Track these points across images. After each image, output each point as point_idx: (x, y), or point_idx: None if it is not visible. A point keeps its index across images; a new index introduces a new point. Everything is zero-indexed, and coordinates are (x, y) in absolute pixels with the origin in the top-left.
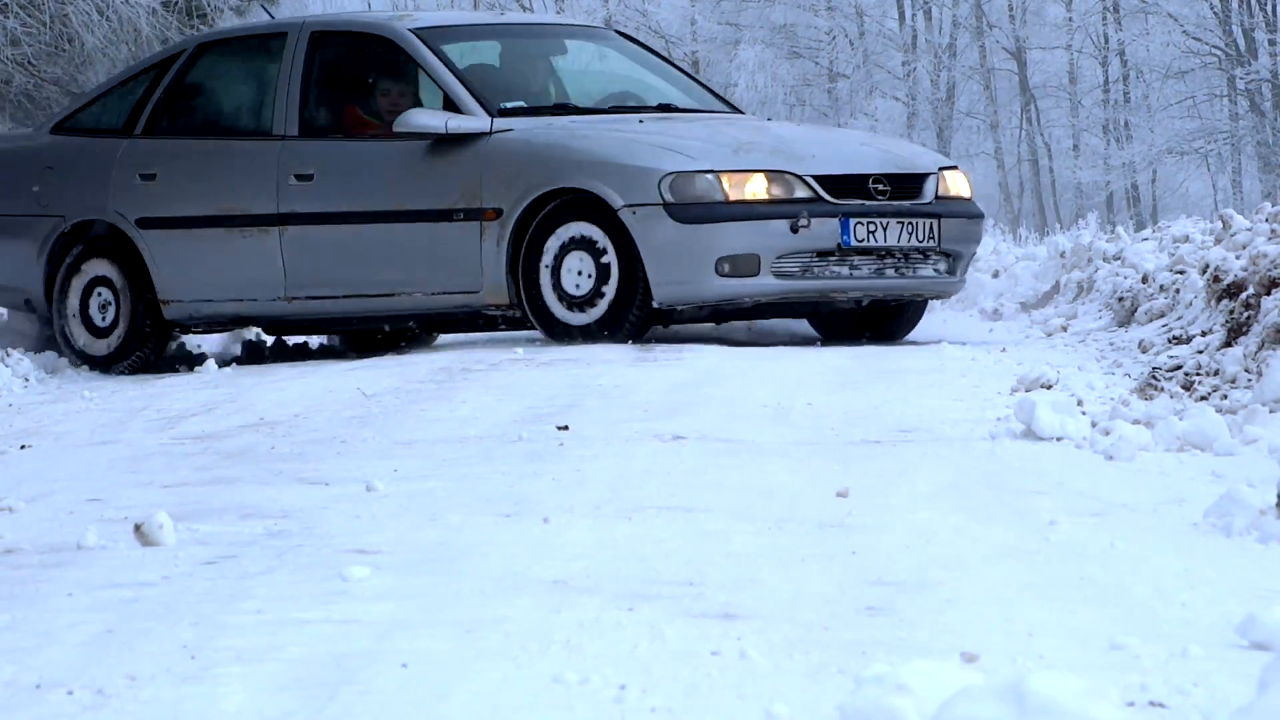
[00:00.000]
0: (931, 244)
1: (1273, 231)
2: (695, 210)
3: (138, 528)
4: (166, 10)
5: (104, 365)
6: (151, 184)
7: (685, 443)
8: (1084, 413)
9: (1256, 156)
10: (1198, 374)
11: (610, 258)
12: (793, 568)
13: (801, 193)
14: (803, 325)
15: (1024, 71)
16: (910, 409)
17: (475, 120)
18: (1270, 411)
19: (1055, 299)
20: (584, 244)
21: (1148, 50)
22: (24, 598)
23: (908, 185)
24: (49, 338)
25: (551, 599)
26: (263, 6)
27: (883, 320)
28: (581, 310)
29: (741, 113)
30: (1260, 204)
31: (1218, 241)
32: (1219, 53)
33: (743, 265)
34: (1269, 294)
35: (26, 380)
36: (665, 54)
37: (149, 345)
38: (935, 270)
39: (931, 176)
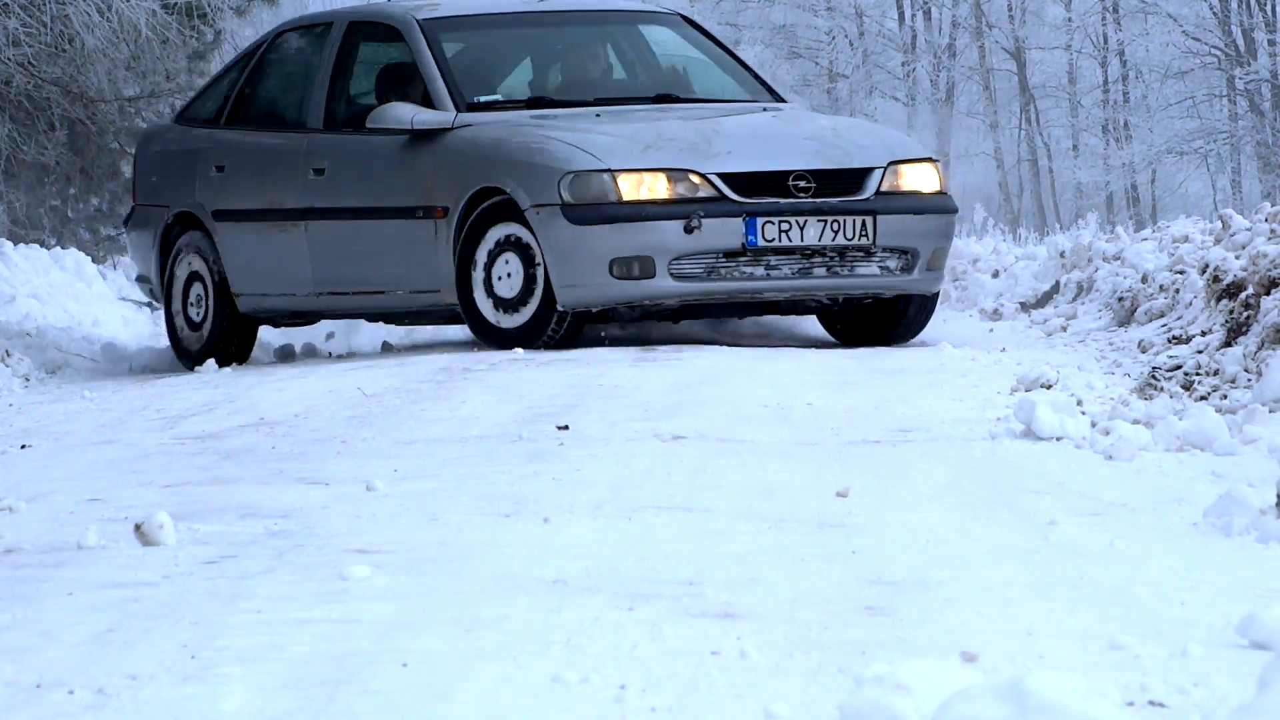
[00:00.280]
0: (865, 241)
1: (1272, 231)
2: (589, 211)
3: (138, 527)
4: (167, 11)
5: (196, 360)
6: (222, 176)
7: (685, 443)
8: (1084, 413)
9: (1256, 156)
10: (1197, 374)
11: (540, 260)
12: (793, 568)
13: (704, 192)
14: (803, 326)
15: (1023, 72)
16: (910, 409)
17: (440, 115)
18: (1270, 411)
19: (1055, 299)
20: (514, 245)
21: (1147, 50)
22: (24, 597)
23: (841, 181)
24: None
25: (551, 599)
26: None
27: (885, 320)
28: (511, 313)
29: (783, 102)
30: (1260, 204)
31: (1217, 241)
32: (1219, 53)
33: (637, 267)
34: (1269, 294)
35: (27, 380)
36: (722, 41)
37: (233, 341)
38: (883, 269)
39: (876, 171)
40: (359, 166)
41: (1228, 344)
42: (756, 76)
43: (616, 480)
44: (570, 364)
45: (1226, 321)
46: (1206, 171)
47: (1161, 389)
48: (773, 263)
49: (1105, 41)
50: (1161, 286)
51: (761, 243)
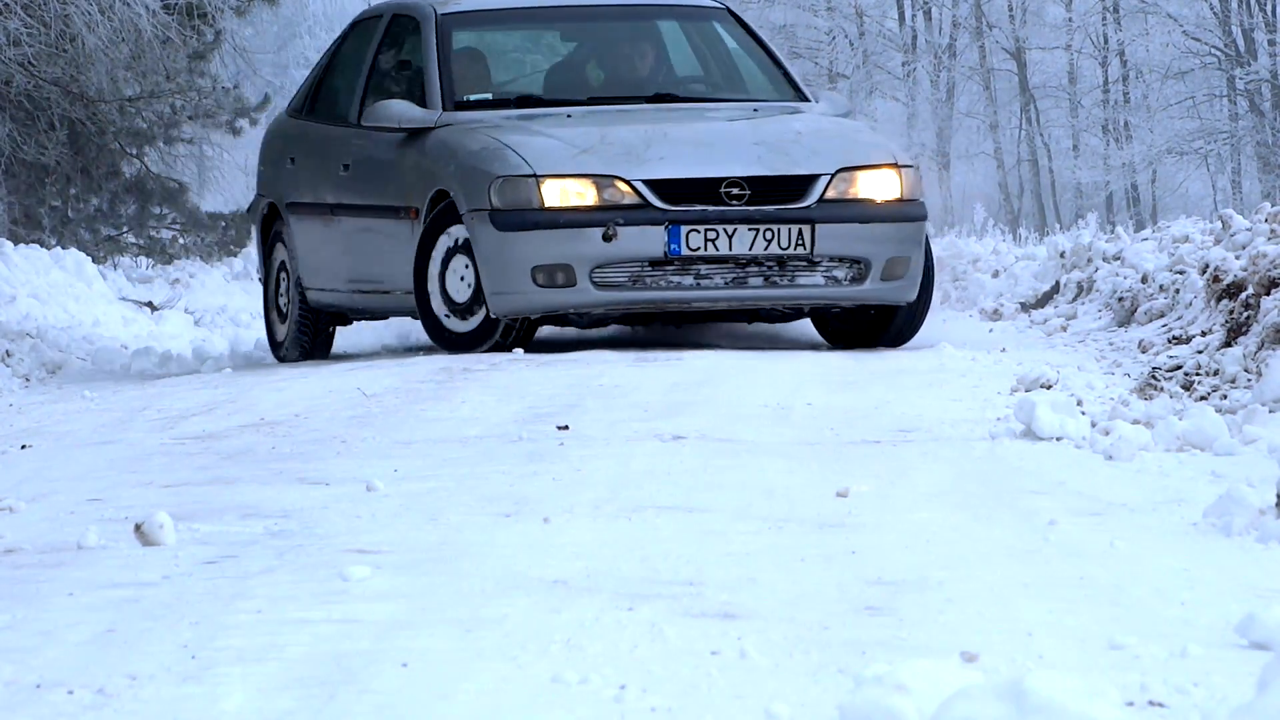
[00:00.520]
0: (802, 251)
1: (1272, 231)
2: (514, 217)
3: (138, 528)
4: (167, 11)
5: (279, 352)
6: (294, 168)
7: (685, 443)
8: (1084, 413)
9: (1256, 157)
10: (1197, 374)
11: None
12: (793, 568)
13: (629, 199)
14: (803, 328)
15: (1024, 72)
16: (910, 409)
17: (426, 113)
18: (1270, 411)
19: (1055, 299)
20: (467, 249)
21: (1147, 50)
22: (24, 598)
23: (780, 188)
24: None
25: (551, 599)
26: None
27: (874, 325)
28: (464, 318)
29: (805, 101)
30: (1260, 204)
31: (1217, 242)
32: (1219, 53)
33: (558, 275)
34: (1269, 294)
35: (27, 380)
36: (761, 37)
37: (307, 334)
38: (829, 279)
39: (821, 178)
40: (368, 163)
41: (1228, 344)
42: (786, 74)
43: (616, 480)
44: (570, 364)
45: (1226, 321)
46: (1206, 171)
47: (1161, 389)
48: (703, 272)
49: (1105, 41)
50: (1161, 286)
51: (686, 251)
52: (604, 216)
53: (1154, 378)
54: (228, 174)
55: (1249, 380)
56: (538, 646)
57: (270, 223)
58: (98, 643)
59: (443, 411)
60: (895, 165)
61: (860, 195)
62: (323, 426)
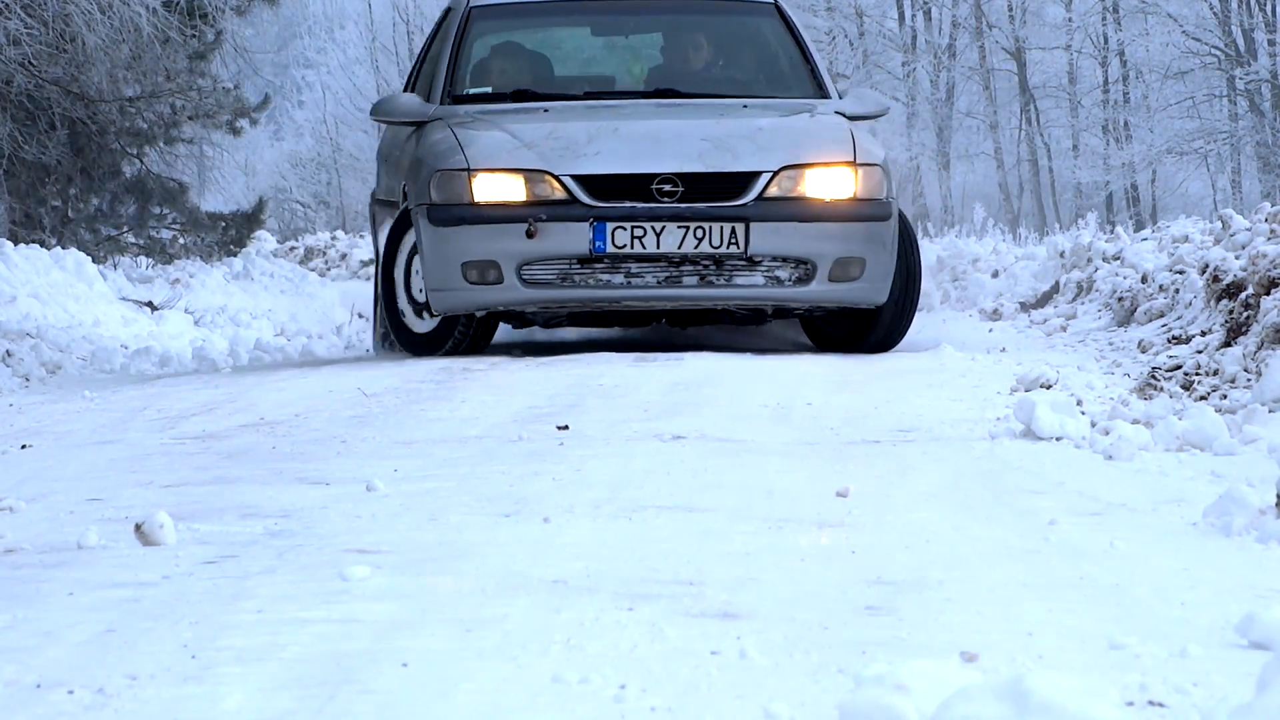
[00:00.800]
0: (735, 250)
1: (1272, 231)
2: (447, 212)
3: (138, 527)
4: (168, 10)
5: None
6: (386, 164)
7: (685, 442)
8: (1084, 413)
9: (1256, 157)
10: (1197, 374)
11: None
12: (793, 568)
13: (557, 195)
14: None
15: (1024, 72)
16: (910, 409)
17: (422, 107)
18: (1270, 411)
19: (1055, 299)
20: None
21: (1147, 50)
22: (24, 597)
23: (717, 185)
24: None
25: (551, 599)
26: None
27: (858, 329)
28: (423, 316)
29: (825, 99)
30: (1260, 204)
31: (1217, 242)
32: (1219, 53)
33: (485, 272)
34: (1268, 294)
35: (27, 380)
36: (799, 34)
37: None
38: (770, 279)
39: (762, 176)
40: (389, 158)
41: (1227, 344)
42: (813, 70)
43: (616, 480)
44: (570, 364)
45: (1226, 321)
46: (1206, 171)
47: (1161, 389)
48: (634, 270)
49: (1105, 41)
50: (1161, 286)
51: (612, 249)
52: (530, 212)
53: (1154, 378)
54: (228, 174)
55: (1249, 380)
56: (538, 646)
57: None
58: (98, 643)
59: (443, 411)
60: (851, 163)
61: (806, 194)
62: (323, 426)
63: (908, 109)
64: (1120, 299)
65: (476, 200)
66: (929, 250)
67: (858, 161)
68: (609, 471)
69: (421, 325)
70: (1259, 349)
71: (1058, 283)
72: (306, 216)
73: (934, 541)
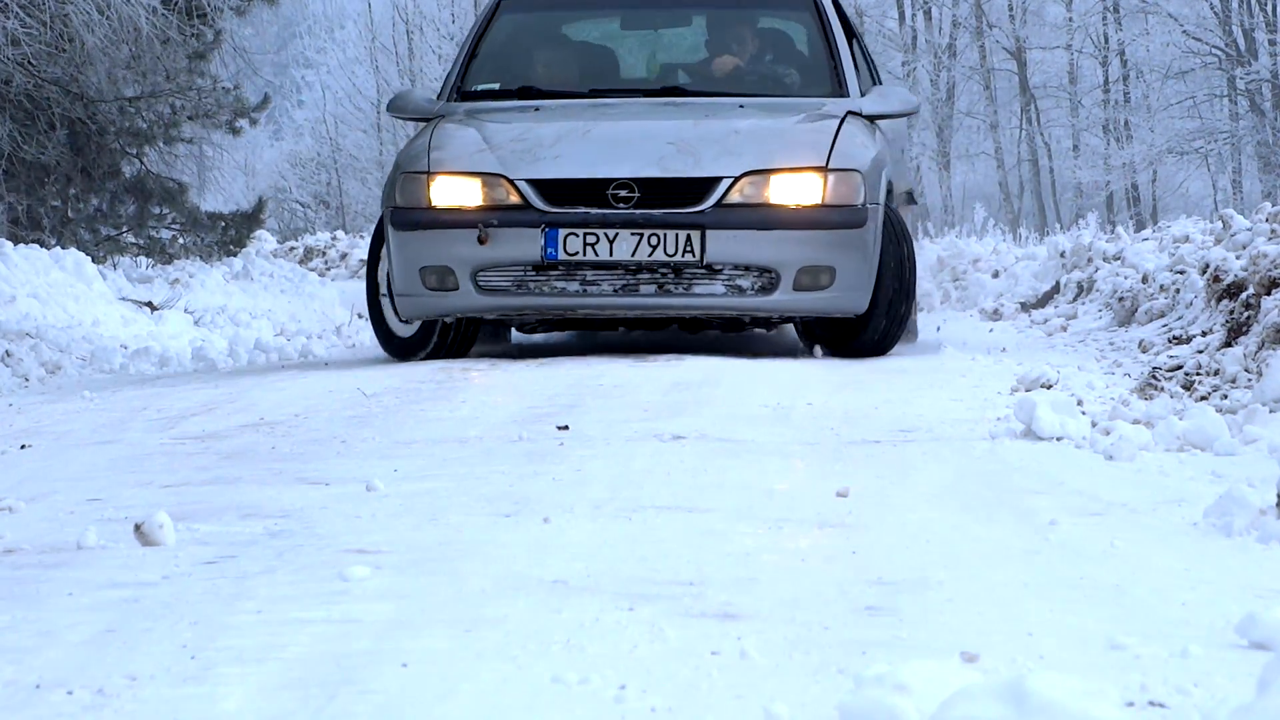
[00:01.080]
0: (691, 258)
1: (1273, 231)
2: (406, 216)
3: (138, 528)
4: (167, 10)
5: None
6: None
7: (685, 443)
8: (1084, 413)
9: (1256, 156)
10: (1198, 374)
11: None
12: (793, 568)
13: (513, 200)
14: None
15: (1024, 71)
16: (910, 409)
17: (429, 104)
18: (1270, 411)
19: (1055, 299)
20: None
21: (1148, 50)
22: (24, 598)
23: (675, 191)
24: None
25: (551, 599)
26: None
27: (848, 333)
28: (407, 320)
29: (842, 98)
30: (1260, 204)
31: (1218, 241)
32: (1219, 53)
33: (443, 278)
34: (1269, 294)
35: (26, 380)
36: (830, 30)
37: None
38: (730, 288)
39: (723, 181)
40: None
41: (1228, 344)
42: (835, 69)
43: (616, 480)
44: (570, 364)
45: (1227, 321)
46: (1207, 171)
47: (1162, 389)
48: (590, 278)
49: (1106, 41)
50: (1162, 286)
51: (564, 255)
52: (483, 217)
53: (1154, 378)
54: (228, 174)
55: (1249, 380)
56: (538, 646)
57: None
58: (98, 643)
59: (443, 411)
60: (820, 168)
61: (770, 200)
62: (323, 426)
63: None
64: (1121, 299)
65: (434, 204)
66: (929, 250)
67: (829, 166)
68: (609, 472)
69: (403, 330)
70: (1260, 349)
71: (1058, 283)
72: (306, 216)
73: (934, 541)
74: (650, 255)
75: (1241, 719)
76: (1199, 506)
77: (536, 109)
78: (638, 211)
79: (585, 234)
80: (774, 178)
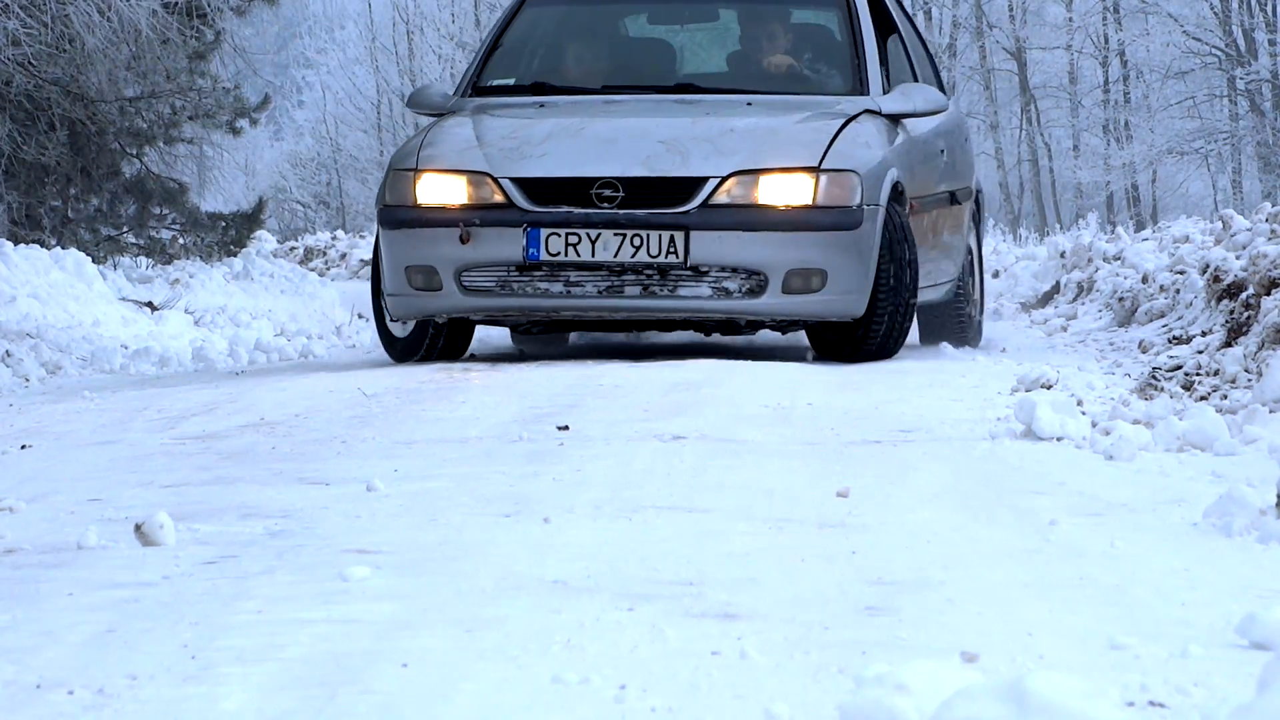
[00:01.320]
0: (674, 260)
1: (1273, 232)
2: (393, 214)
3: (138, 528)
4: (167, 11)
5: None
6: None
7: (686, 443)
8: (1084, 413)
9: (1256, 156)
10: (1198, 374)
11: None
12: (793, 568)
13: (497, 198)
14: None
15: (1024, 71)
16: (910, 409)
17: (443, 99)
18: (1270, 411)
19: (1055, 299)
20: None
21: (1148, 50)
22: (24, 598)
23: (661, 191)
24: None
25: (551, 599)
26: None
27: (848, 337)
28: (404, 322)
29: (862, 96)
30: (1260, 204)
31: (1218, 242)
32: (1219, 53)
33: (427, 278)
34: (1269, 294)
35: (26, 380)
36: (860, 26)
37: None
38: (717, 290)
39: (709, 181)
40: None
41: (1228, 344)
42: (858, 65)
43: (616, 480)
44: (570, 364)
45: (1227, 322)
46: (1207, 171)
47: (1162, 389)
48: (574, 279)
49: (1106, 41)
50: (1162, 286)
51: (545, 256)
52: (465, 216)
53: (1154, 378)
54: (228, 174)
55: (1249, 380)
56: (538, 646)
57: None
58: (98, 643)
59: (443, 411)
60: (812, 169)
61: (758, 200)
62: (323, 426)
63: None
64: (1121, 299)
65: (419, 202)
66: None
67: (823, 167)
68: (609, 472)
69: (400, 330)
70: (1260, 349)
71: (1058, 283)
72: (306, 216)
73: (934, 541)
74: (634, 256)
75: (1241, 719)
76: (1199, 506)
77: (541, 105)
78: (620, 211)
79: (567, 234)
80: (763, 178)
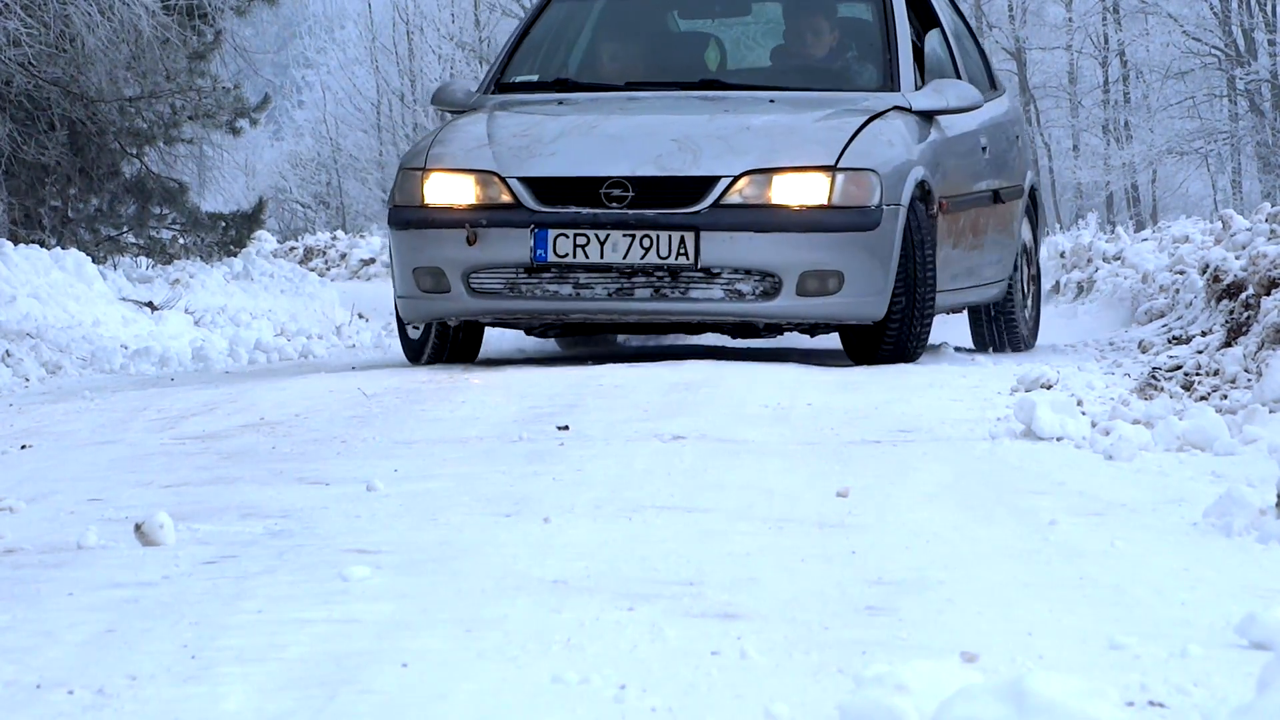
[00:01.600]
0: (684, 261)
1: (1272, 232)
2: (401, 215)
3: (138, 527)
4: (167, 11)
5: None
6: None
7: (686, 443)
8: (1084, 413)
9: (1256, 156)
10: (1198, 374)
11: None
12: (793, 568)
13: (505, 198)
14: (800, 337)
15: (1024, 71)
16: (910, 409)
17: (465, 95)
18: (1270, 411)
19: (1055, 299)
20: None
21: (1148, 50)
22: (24, 598)
23: (672, 191)
24: None
25: (551, 599)
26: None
27: (867, 341)
28: (412, 324)
29: (890, 92)
30: (1260, 204)
31: (1217, 242)
32: (1219, 53)
33: (435, 280)
34: (1269, 294)
35: (27, 380)
36: (892, 23)
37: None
38: (730, 293)
39: (721, 181)
40: None
41: (1228, 344)
42: (890, 61)
43: (616, 480)
44: (570, 364)
45: (1227, 322)
46: (1207, 171)
47: (1161, 389)
48: (583, 281)
49: (1106, 41)
50: (1161, 286)
51: (553, 257)
52: (472, 217)
53: (1154, 378)
54: (228, 174)
55: (1249, 380)
56: (538, 646)
57: None
58: (98, 643)
59: (443, 411)
60: (828, 168)
61: (772, 200)
62: (323, 426)
63: None
64: (1120, 299)
65: (427, 203)
66: None
67: (839, 166)
68: (609, 471)
69: (413, 333)
70: (1259, 349)
71: (1058, 283)
72: (306, 216)
73: (934, 541)
74: (643, 258)
75: (1241, 719)
76: (1199, 506)
77: (560, 103)
78: (630, 212)
79: (575, 235)
80: (777, 177)
